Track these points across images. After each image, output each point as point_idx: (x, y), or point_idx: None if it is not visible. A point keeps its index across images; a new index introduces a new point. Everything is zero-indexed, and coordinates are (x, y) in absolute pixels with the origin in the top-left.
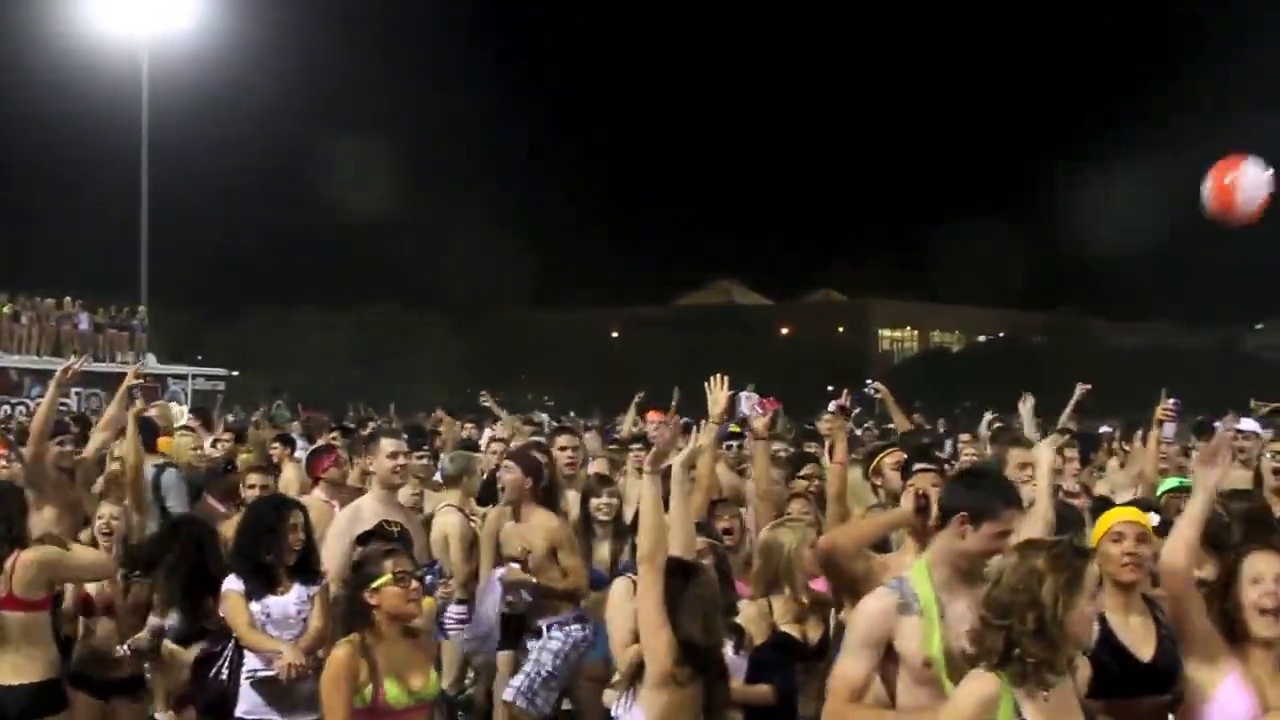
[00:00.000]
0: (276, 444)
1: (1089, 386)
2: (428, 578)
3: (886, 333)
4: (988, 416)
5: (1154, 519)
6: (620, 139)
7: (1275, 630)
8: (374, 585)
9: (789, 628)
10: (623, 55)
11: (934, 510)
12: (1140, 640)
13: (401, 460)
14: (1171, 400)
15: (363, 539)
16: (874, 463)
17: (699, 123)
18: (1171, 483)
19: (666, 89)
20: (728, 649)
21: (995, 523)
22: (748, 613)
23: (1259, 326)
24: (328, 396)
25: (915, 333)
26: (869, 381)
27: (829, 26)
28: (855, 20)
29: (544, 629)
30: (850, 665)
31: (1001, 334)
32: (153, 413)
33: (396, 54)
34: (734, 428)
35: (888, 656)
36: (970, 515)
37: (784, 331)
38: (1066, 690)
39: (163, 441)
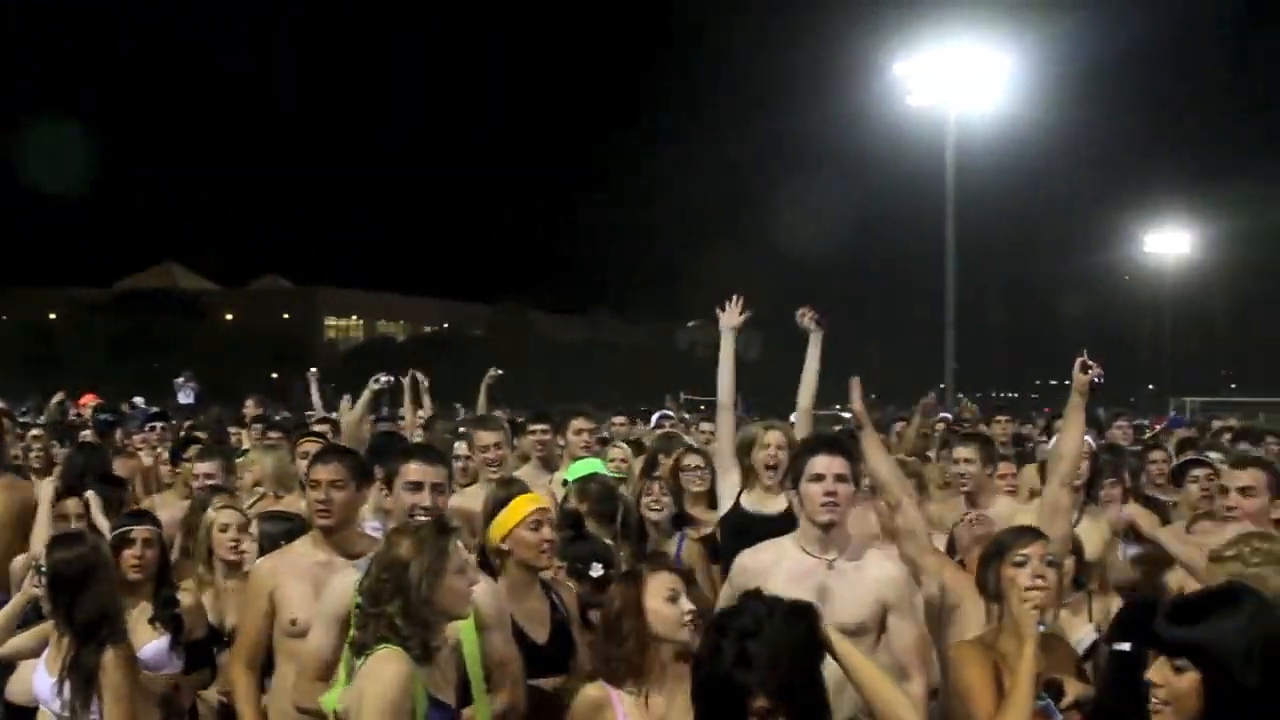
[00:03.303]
0: None
1: (500, 372)
2: None
3: (332, 321)
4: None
5: None
6: (54, 114)
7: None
8: None
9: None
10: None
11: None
12: (536, 624)
13: None
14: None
15: None
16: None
17: (141, 99)
18: (582, 467)
19: (100, 62)
20: (163, 639)
21: (400, 476)
22: (186, 604)
23: (691, 324)
24: None
25: (361, 322)
26: (379, 376)
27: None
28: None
29: None
30: (318, 640)
31: (445, 325)
32: None
33: None
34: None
35: None
36: (384, 479)
37: (229, 316)
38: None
39: None
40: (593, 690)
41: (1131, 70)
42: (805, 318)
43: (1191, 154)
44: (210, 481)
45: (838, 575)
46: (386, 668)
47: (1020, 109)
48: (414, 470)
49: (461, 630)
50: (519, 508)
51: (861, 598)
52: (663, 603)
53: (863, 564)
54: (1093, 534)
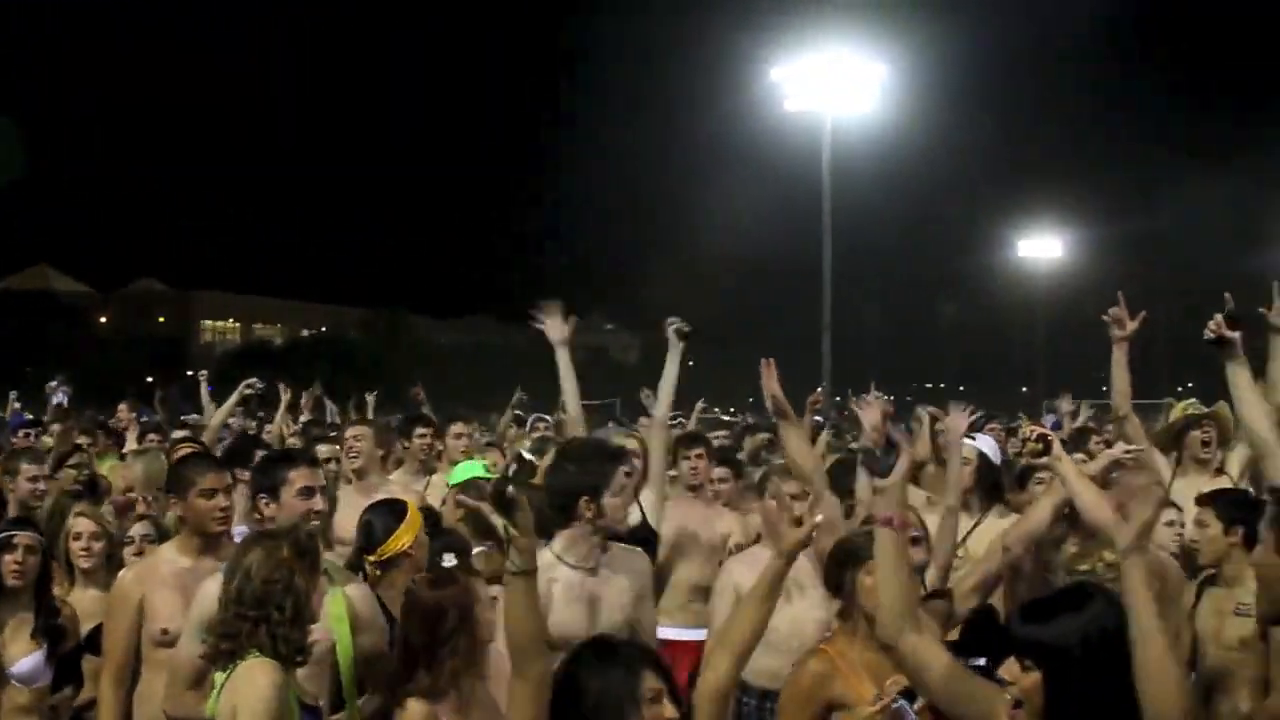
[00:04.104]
0: None
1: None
2: None
3: (209, 324)
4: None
5: None
6: None
7: None
8: None
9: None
10: None
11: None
12: None
13: None
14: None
15: None
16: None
17: (10, 99)
18: (464, 470)
19: None
20: (39, 651)
21: (289, 484)
22: (65, 614)
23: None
24: None
25: (238, 325)
26: (252, 381)
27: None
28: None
29: None
30: (191, 648)
31: (324, 328)
32: None
33: None
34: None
35: None
36: (262, 490)
37: (103, 320)
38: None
39: None
40: (417, 707)
41: (1004, 77)
42: (671, 328)
43: (1063, 160)
44: (34, 485)
45: (601, 581)
46: (260, 677)
47: (895, 114)
48: (304, 476)
49: (337, 633)
50: (417, 512)
51: (625, 594)
52: (490, 609)
53: (616, 563)
54: (989, 536)
